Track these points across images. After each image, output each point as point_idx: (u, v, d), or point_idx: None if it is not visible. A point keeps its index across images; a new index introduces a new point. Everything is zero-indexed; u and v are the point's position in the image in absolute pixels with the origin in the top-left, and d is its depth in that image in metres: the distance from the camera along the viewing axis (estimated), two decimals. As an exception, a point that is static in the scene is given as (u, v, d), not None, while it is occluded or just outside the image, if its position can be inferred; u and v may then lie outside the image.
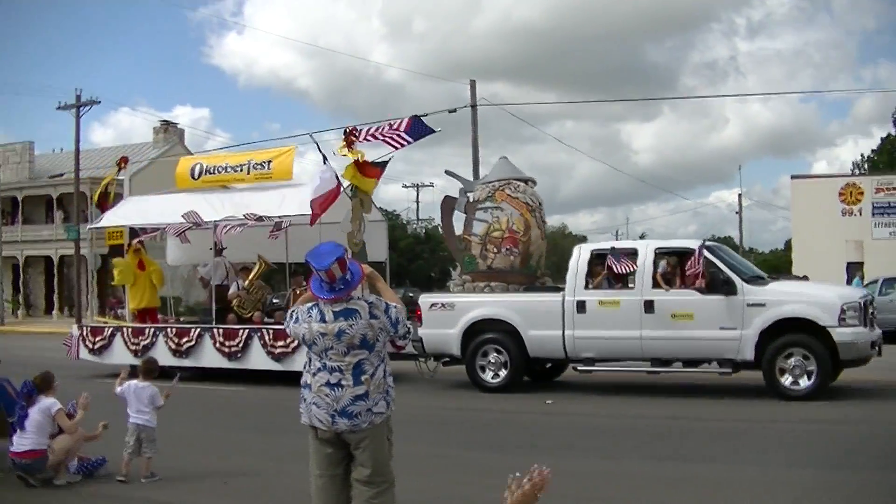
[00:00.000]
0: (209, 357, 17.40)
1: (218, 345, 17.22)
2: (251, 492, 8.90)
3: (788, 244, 56.47)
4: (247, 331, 17.01)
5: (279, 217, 16.96)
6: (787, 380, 13.62)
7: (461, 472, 9.65)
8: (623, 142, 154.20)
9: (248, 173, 18.26)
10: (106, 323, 19.84)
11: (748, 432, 11.74)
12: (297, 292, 18.96)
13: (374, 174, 16.41)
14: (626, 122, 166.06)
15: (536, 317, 15.26)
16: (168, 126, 56.67)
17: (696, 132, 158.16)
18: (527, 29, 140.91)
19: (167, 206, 18.85)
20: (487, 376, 15.54)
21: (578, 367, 15.14)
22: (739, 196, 72.75)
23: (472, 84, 34.10)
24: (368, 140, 15.98)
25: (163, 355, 17.47)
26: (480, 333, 15.62)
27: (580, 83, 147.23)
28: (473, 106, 33.94)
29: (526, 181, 16.88)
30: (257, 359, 16.89)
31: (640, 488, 8.76)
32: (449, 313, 15.82)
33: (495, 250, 16.13)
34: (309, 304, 5.85)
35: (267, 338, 16.72)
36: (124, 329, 18.39)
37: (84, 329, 19.14)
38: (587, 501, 8.35)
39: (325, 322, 5.69)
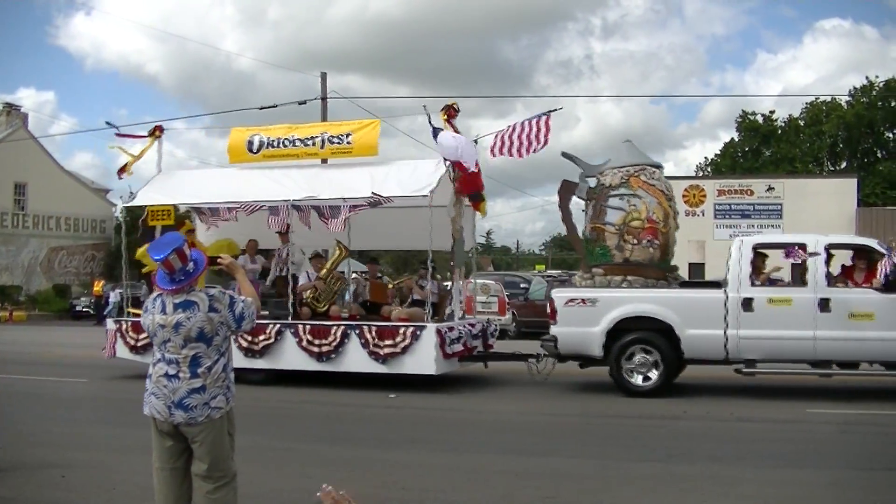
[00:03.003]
0: (292, 357, 15.65)
1: (305, 343, 15.36)
2: (90, 484, 8.67)
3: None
4: (342, 327, 15.26)
5: (385, 197, 15.31)
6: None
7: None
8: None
9: (323, 147, 16.55)
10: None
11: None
12: (371, 281, 17.45)
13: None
14: (478, 118, 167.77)
15: (696, 314, 14.36)
16: (11, 109, 52.60)
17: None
18: (383, 21, 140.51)
19: (225, 183, 16.96)
20: (636, 379, 14.46)
21: (743, 370, 14.18)
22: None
23: (323, 76, 34.78)
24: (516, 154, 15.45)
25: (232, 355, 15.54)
26: (625, 332, 14.53)
27: (434, 78, 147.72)
28: (324, 98, 34.48)
29: (656, 167, 15.78)
30: (356, 360, 15.29)
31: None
32: (590, 310, 14.68)
33: (634, 241, 15.04)
34: (154, 295, 5.90)
35: (369, 335, 15.05)
36: (177, 324, 16.14)
37: (124, 324, 16.73)
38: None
39: (165, 314, 5.75)
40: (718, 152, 73.27)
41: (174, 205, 17.22)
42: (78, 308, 46.20)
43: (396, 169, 16.18)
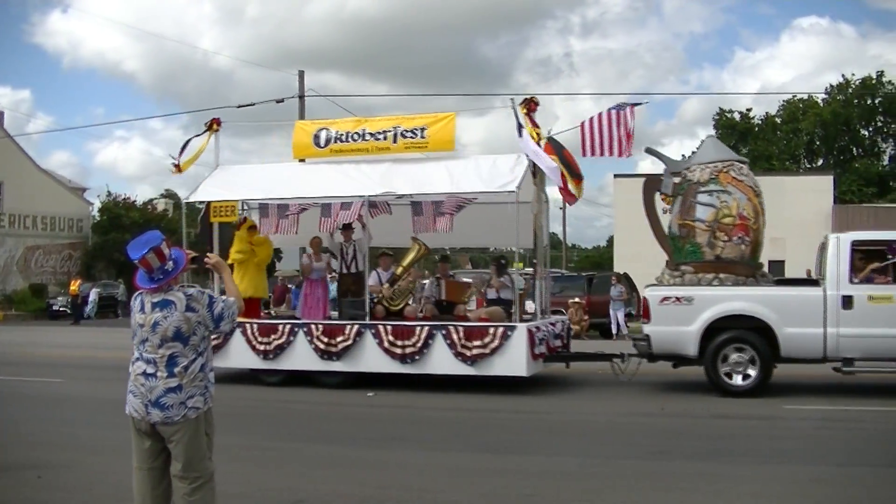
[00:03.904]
0: (372, 360, 15.22)
1: (387, 345, 14.96)
2: (67, 484, 8.67)
3: (611, 241, 58.84)
4: (427, 328, 14.88)
5: (470, 194, 15.02)
6: None
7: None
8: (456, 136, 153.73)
9: (395, 142, 16.14)
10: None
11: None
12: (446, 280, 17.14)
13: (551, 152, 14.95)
14: (458, 116, 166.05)
15: (794, 313, 14.23)
16: (-15, 107, 51.35)
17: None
18: (361, 19, 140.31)
19: (292, 178, 16.48)
20: (734, 379, 14.28)
21: (843, 369, 14.08)
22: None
23: (301, 74, 35.20)
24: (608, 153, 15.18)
25: (305, 358, 15.27)
26: (719, 331, 14.35)
27: (413, 76, 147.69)
28: (301, 96, 34.90)
29: (742, 162, 15.62)
30: (442, 362, 14.89)
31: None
32: (686, 308, 14.50)
33: (726, 238, 14.86)
34: (136, 294, 5.93)
35: (456, 336, 14.68)
36: (248, 325, 15.70)
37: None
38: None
39: (143, 312, 5.79)
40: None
41: (238, 200, 16.59)
42: (55, 308, 45.51)
43: (474, 163, 15.88)
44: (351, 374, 15.37)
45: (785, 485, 8.59)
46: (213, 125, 17.31)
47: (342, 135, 16.47)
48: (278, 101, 35.23)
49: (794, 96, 66.92)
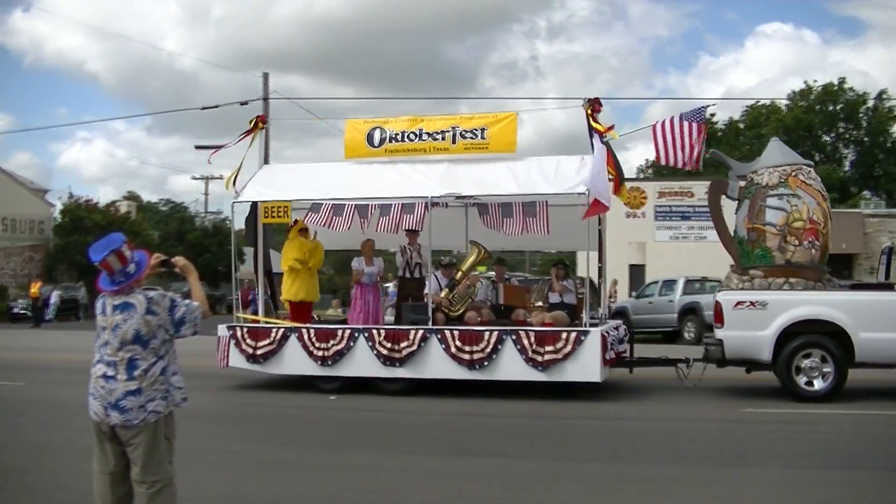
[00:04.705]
0: (438, 366, 14.94)
1: (454, 350, 14.68)
2: (28, 489, 8.72)
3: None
4: (496, 333, 14.64)
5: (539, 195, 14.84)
6: None
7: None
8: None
9: (455, 143, 15.90)
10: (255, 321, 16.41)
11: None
12: (504, 284, 16.93)
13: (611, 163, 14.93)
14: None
15: (870, 317, 14.24)
16: (-55, 108, 50.26)
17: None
18: (327, 21, 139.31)
19: (346, 178, 16.13)
20: (811, 385, 14.27)
21: (920, 374, 14.14)
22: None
23: (265, 76, 35.16)
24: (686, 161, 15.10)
25: (367, 364, 14.96)
26: (793, 336, 14.31)
27: (378, 78, 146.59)
28: (266, 99, 34.82)
29: (809, 166, 15.61)
30: (512, 367, 14.66)
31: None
32: (760, 313, 14.44)
33: (796, 242, 14.82)
34: (100, 296, 5.97)
35: (527, 341, 14.46)
36: (304, 330, 15.33)
37: (240, 329, 15.75)
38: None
39: (105, 315, 5.84)
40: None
41: (290, 201, 16.17)
42: (15, 310, 44.92)
43: (537, 164, 15.68)
44: (414, 381, 15.08)
45: (741, 487, 8.74)
46: (258, 123, 16.88)
47: (397, 134, 16.17)
48: (242, 104, 34.93)
49: (757, 101, 67.77)
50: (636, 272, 40.10)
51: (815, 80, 66.81)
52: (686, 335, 28.65)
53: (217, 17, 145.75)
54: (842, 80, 64.90)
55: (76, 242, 47.41)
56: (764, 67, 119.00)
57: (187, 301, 6.03)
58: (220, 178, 68.55)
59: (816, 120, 65.22)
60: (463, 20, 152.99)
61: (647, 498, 8.43)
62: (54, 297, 44.01)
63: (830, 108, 64.99)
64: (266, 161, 35.97)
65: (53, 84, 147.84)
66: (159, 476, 5.81)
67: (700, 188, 43.40)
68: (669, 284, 31.18)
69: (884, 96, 63.11)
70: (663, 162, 15.16)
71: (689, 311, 29.54)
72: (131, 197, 67.33)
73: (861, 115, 64.57)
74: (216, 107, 37.95)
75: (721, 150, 65.42)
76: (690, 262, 36.34)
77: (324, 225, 15.88)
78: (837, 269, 38.98)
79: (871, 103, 63.95)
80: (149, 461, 5.76)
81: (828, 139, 67.67)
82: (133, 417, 5.68)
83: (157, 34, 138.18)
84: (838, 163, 66.33)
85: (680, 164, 14.98)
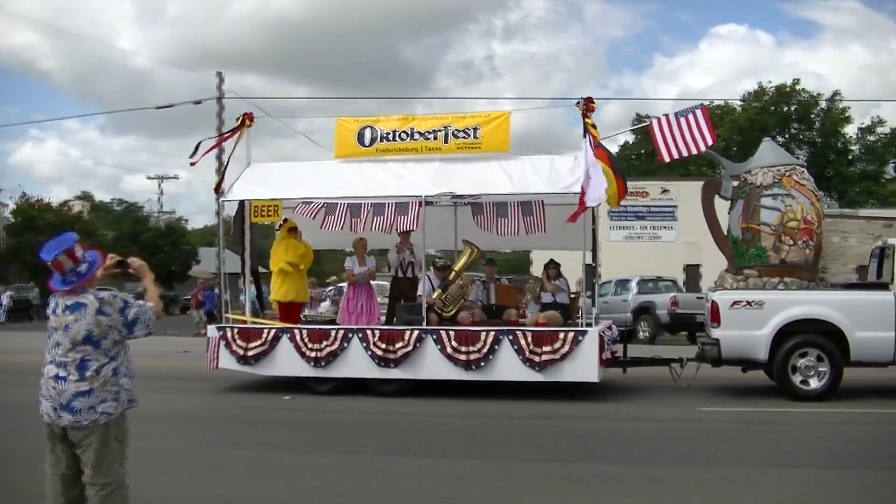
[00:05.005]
0: (434, 366, 14.82)
1: (450, 351, 14.58)
2: None
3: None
4: (493, 333, 14.55)
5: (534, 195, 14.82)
6: None
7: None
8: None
9: (447, 142, 15.78)
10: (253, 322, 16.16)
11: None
12: (497, 284, 16.83)
13: (603, 157, 14.86)
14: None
15: (866, 317, 14.38)
16: None
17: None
18: (283, 20, 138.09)
19: (338, 177, 15.96)
20: (807, 384, 14.37)
21: (913, 373, 14.30)
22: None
23: (220, 76, 35.33)
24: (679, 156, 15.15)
25: (360, 365, 14.82)
26: (790, 335, 14.41)
27: (334, 78, 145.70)
28: (220, 98, 34.97)
29: (802, 166, 15.72)
30: (509, 368, 14.57)
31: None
32: (756, 312, 14.53)
33: (791, 242, 14.92)
34: (53, 296, 5.94)
35: (524, 341, 14.42)
36: (297, 331, 15.13)
37: (230, 330, 15.51)
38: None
39: (56, 315, 5.81)
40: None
41: (281, 200, 15.94)
42: (-34, 312, 43.90)
43: (530, 164, 15.58)
44: (409, 382, 14.95)
45: (695, 485, 8.84)
46: (245, 120, 16.60)
47: (389, 133, 16.02)
48: (197, 103, 35.45)
49: (711, 102, 68.36)
50: (590, 271, 40.39)
51: (768, 82, 67.76)
52: (640, 335, 28.81)
53: (172, 16, 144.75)
54: (795, 82, 65.90)
55: (28, 242, 46.61)
56: (718, 68, 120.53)
57: (140, 302, 5.99)
58: (175, 177, 67.91)
59: (770, 121, 65.96)
60: (419, 20, 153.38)
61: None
62: (6, 298, 43.38)
63: (784, 109, 65.85)
64: (221, 160, 36.18)
65: (5, 82, 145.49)
66: (110, 478, 5.77)
67: (654, 188, 43.90)
68: (624, 284, 31.47)
69: (836, 98, 64.22)
70: (666, 158, 15.09)
71: (644, 310, 29.83)
72: (84, 197, 66.49)
73: (814, 116, 65.54)
74: (170, 106, 38.04)
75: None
76: (642, 261, 37.01)
77: (313, 218, 15.72)
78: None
79: (823, 105, 64.94)
80: (100, 463, 5.72)
81: (781, 140, 68.30)
82: (83, 418, 5.65)
83: (111, 32, 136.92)
84: (792, 163, 67.06)
85: (686, 153, 14.94)
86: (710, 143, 14.73)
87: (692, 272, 40.74)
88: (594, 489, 8.72)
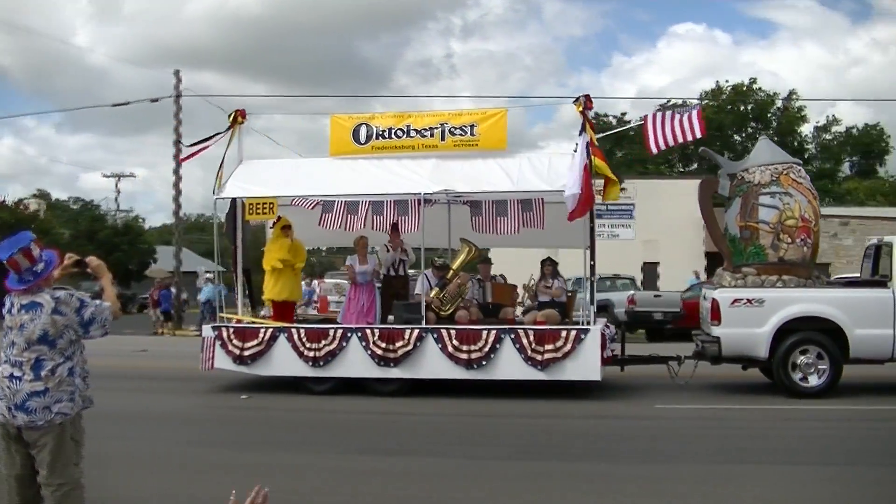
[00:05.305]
0: (435, 366, 14.71)
1: (451, 350, 14.49)
2: None
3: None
4: (494, 332, 14.49)
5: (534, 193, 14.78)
6: None
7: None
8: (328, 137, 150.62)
9: (444, 139, 15.69)
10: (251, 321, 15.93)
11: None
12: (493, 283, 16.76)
13: (599, 154, 14.94)
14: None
15: (865, 314, 14.51)
16: None
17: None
18: (241, 17, 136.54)
19: (335, 175, 15.78)
20: (807, 381, 14.52)
21: (911, 368, 14.48)
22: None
23: (177, 73, 35.51)
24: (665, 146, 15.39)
25: (359, 365, 14.71)
26: (790, 333, 14.53)
27: (292, 76, 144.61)
28: (178, 96, 35.10)
29: (798, 164, 15.83)
30: (511, 367, 14.51)
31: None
32: (757, 310, 14.62)
33: (789, 240, 15.01)
34: (9, 295, 5.93)
35: (526, 340, 14.39)
36: (294, 330, 14.96)
37: (226, 330, 15.28)
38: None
39: (12, 315, 5.80)
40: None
41: (273, 196, 15.71)
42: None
43: (528, 162, 15.55)
44: (408, 381, 14.85)
45: (655, 483, 8.93)
46: (237, 117, 16.36)
47: (384, 131, 15.89)
48: (154, 101, 35.52)
49: (669, 101, 68.79)
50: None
51: (725, 81, 68.45)
52: None
53: (129, 13, 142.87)
54: (752, 81, 66.64)
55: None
56: (676, 67, 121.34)
57: (97, 301, 5.95)
58: (132, 175, 67.08)
59: (727, 120, 66.69)
60: (378, 17, 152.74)
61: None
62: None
63: (741, 108, 66.49)
64: (178, 158, 35.80)
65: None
66: (66, 479, 5.73)
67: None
68: (580, 282, 31.37)
69: (792, 97, 65.05)
70: (654, 149, 15.17)
71: (601, 308, 29.86)
72: (40, 195, 65.39)
73: (770, 115, 66.28)
74: (127, 104, 37.76)
75: (633, 150, 67.13)
76: (600, 259, 36.60)
77: (311, 209, 15.58)
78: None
79: (780, 103, 65.71)
80: (55, 463, 5.68)
81: (738, 139, 69.17)
82: (38, 418, 5.62)
83: (67, 29, 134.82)
84: (748, 162, 67.81)
85: (681, 140, 15.00)
86: (698, 135, 14.84)
87: (650, 270, 40.95)
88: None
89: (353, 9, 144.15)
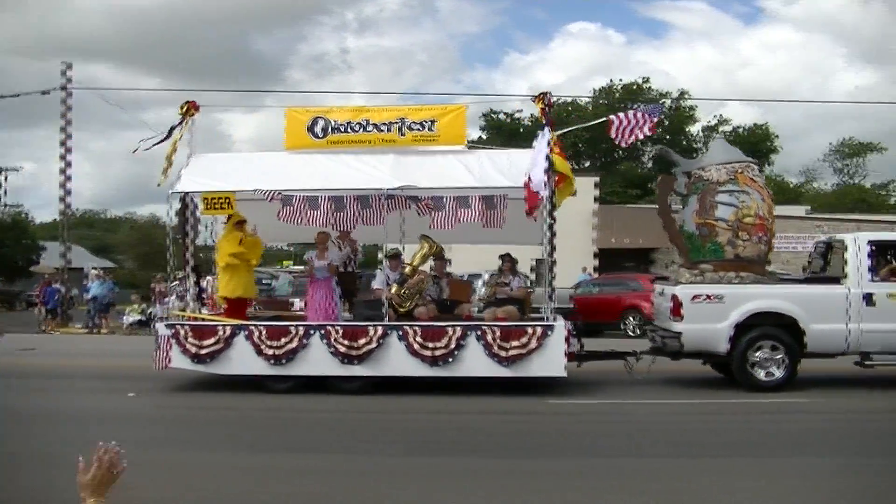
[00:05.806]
0: (399, 363, 14.54)
1: (416, 347, 14.36)
2: None
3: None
4: (459, 328, 14.40)
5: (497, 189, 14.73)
6: None
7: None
8: (223, 132, 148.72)
9: (403, 134, 15.55)
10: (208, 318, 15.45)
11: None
12: (450, 279, 16.67)
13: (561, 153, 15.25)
14: (229, 111, 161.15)
15: (820, 309, 14.93)
16: None
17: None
18: (132, 9, 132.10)
19: (293, 169, 15.52)
20: (764, 375, 14.86)
21: (864, 362, 14.91)
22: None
23: (66, 65, 34.94)
24: (630, 140, 16.00)
25: (322, 363, 14.48)
26: (750, 328, 14.85)
27: (185, 70, 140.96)
28: (66, 88, 34.64)
29: (754, 163, 16.16)
30: (476, 364, 14.43)
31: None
32: (718, 306, 14.88)
33: (746, 237, 15.31)
34: None
35: (491, 336, 14.33)
36: (252, 327, 14.62)
37: (181, 328, 14.81)
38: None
39: None
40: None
41: (230, 191, 15.26)
42: None
43: (488, 158, 15.59)
44: (372, 379, 14.62)
45: (543, 479, 8.95)
46: (189, 109, 15.85)
47: (342, 125, 15.64)
48: (41, 93, 34.70)
49: (560, 98, 69.61)
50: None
51: (618, 79, 69.57)
52: None
53: (16, 1, 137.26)
54: (644, 80, 67.88)
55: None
56: (570, 65, 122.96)
57: None
58: (19, 169, 64.59)
59: (618, 118, 67.59)
60: (272, 11, 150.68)
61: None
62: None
63: (633, 106, 67.54)
64: (67, 151, 34.78)
65: None
66: None
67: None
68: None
69: (682, 97, 66.46)
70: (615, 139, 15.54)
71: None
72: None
73: (661, 113, 67.47)
74: (13, 96, 36.63)
75: (523, 146, 67.64)
76: (490, 255, 36.83)
77: (271, 201, 15.25)
78: (637, 263, 40.71)
79: (671, 102, 67.08)
80: None
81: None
82: None
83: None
84: (638, 160, 69.26)
85: (639, 135, 15.60)
86: (647, 133, 15.42)
87: (541, 266, 41.20)
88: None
89: (247, 3, 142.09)
